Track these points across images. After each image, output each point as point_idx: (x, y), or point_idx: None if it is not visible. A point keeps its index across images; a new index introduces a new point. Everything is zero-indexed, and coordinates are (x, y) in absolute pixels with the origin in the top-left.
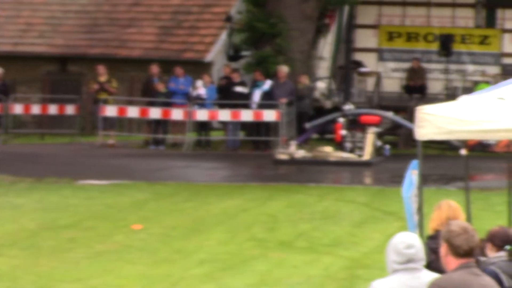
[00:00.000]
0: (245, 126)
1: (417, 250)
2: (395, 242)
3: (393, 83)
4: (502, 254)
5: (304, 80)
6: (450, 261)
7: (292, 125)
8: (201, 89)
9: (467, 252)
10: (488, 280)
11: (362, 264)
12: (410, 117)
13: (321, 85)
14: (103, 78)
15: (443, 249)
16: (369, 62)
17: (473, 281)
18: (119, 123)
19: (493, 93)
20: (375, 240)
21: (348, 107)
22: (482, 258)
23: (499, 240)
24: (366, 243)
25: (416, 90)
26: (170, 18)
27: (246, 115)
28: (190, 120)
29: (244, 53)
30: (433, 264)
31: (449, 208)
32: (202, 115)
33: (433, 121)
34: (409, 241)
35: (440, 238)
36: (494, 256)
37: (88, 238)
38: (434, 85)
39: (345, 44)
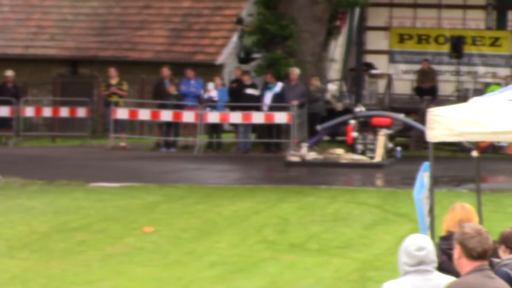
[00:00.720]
0: (256, 128)
1: (428, 252)
2: (406, 244)
3: (404, 85)
4: None
5: (316, 82)
6: (464, 264)
7: (304, 127)
8: (212, 91)
9: (481, 255)
10: (502, 283)
11: (374, 266)
12: (421, 119)
13: (332, 87)
14: (114, 81)
15: (457, 252)
16: (380, 64)
17: (488, 284)
18: (130, 126)
19: (504, 95)
20: (387, 242)
21: (359, 109)
22: (496, 260)
23: None
24: (378, 245)
25: (427, 92)
26: (181, 20)
27: (258, 117)
28: (201, 122)
29: (255, 55)
30: (443, 265)
31: (462, 210)
32: (213, 117)
33: (444, 123)
34: (420, 243)
35: (452, 239)
36: (507, 257)
37: (99, 240)
38: (445, 87)
39: (356, 46)
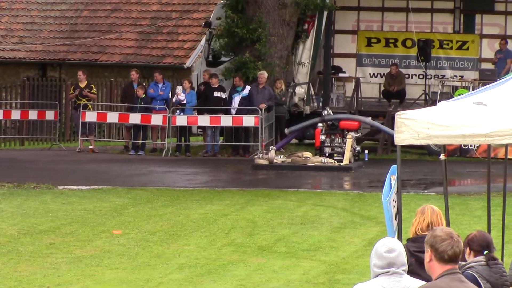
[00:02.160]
0: (224, 131)
1: (399, 254)
2: (377, 246)
3: (372, 89)
4: (480, 259)
5: (280, 85)
6: (435, 267)
7: (271, 130)
8: (181, 94)
9: (452, 258)
10: (472, 286)
11: (342, 269)
12: (389, 122)
13: (300, 91)
14: (82, 84)
15: (427, 255)
16: (348, 67)
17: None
18: (99, 129)
19: (472, 99)
20: (354, 245)
21: (327, 112)
22: (461, 263)
23: (477, 245)
24: (346, 248)
25: (395, 96)
26: (149, 24)
27: (226, 121)
28: (169, 125)
29: (223, 58)
30: (411, 267)
31: (432, 213)
32: (181, 120)
33: (411, 126)
34: (391, 245)
35: (419, 241)
36: (472, 260)
37: (68, 243)
38: (413, 90)
39: (324, 50)
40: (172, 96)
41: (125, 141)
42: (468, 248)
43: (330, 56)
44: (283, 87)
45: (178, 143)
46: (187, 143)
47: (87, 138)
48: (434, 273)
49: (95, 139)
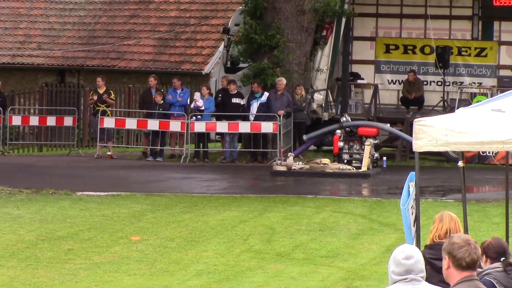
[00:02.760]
0: (242, 138)
1: (416, 261)
2: (395, 253)
3: (390, 95)
4: (497, 265)
5: (300, 91)
6: (452, 274)
7: (290, 136)
8: (199, 101)
9: (470, 265)
10: None
11: (360, 276)
12: (407, 129)
13: (318, 97)
14: (101, 90)
15: (445, 262)
16: (366, 74)
17: None
18: (117, 135)
19: (490, 105)
20: (373, 252)
21: (345, 119)
22: (478, 270)
23: (493, 252)
24: (364, 255)
25: (413, 102)
26: (168, 30)
27: (244, 127)
28: (188, 131)
29: (242, 65)
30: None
31: (450, 220)
32: (200, 126)
33: (430, 133)
34: (409, 252)
35: (435, 248)
36: (489, 267)
37: (86, 249)
38: (431, 97)
39: (342, 56)
40: (191, 102)
41: (143, 147)
42: (484, 256)
43: (349, 63)
44: (303, 93)
45: (196, 149)
46: (205, 149)
47: (105, 144)
48: (452, 280)
49: (114, 145)
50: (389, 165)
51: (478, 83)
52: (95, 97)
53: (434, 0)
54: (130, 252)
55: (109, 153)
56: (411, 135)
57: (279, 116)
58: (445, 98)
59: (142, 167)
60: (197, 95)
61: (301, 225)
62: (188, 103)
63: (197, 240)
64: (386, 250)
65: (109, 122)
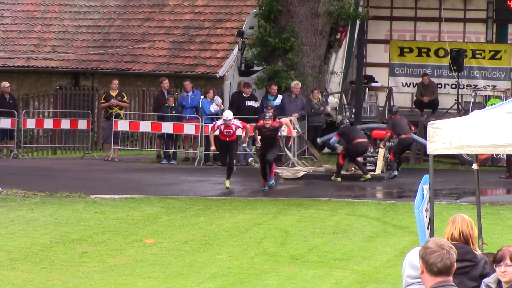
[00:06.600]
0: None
1: None
2: (411, 257)
3: (404, 98)
4: None
5: (317, 95)
6: (426, 279)
7: (303, 140)
8: (220, 105)
9: (441, 271)
10: None
11: (374, 279)
12: (421, 132)
13: (333, 100)
14: (114, 93)
15: (420, 266)
16: (381, 77)
17: None
18: (131, 138)
19: (504, 108)
20: (387, 254)
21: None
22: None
23: None
24: (378, 258)
25: (427, 105)
26: (182, 33)
27: None
28: (202, 134)
29: (256, 68)
30: None
31: (463, 222)
32: None
33: (444, 136)
34: None
35: None
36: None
37: (100, 252)
38: (446, 100)
39: (356, 59)
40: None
41: (157, 150)
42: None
43: (363, 66)
44: (320, 96)
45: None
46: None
47: (113, 147)
48: (426, 285)
49: (128, 148)
50: (403, 168)
51: (492, 85)
52: (112, 101)
53: (449, 3)
54: (144, 255)
55: (115, 155)
56: (425, 138)
57: (293, 118)
58: (459, 101)
59: (156, 170)
60: (217, 99)
61: (315, 228)
62: (200, 105)
63: (211, 243)
64: (400, 253)
65: (123, 125)
